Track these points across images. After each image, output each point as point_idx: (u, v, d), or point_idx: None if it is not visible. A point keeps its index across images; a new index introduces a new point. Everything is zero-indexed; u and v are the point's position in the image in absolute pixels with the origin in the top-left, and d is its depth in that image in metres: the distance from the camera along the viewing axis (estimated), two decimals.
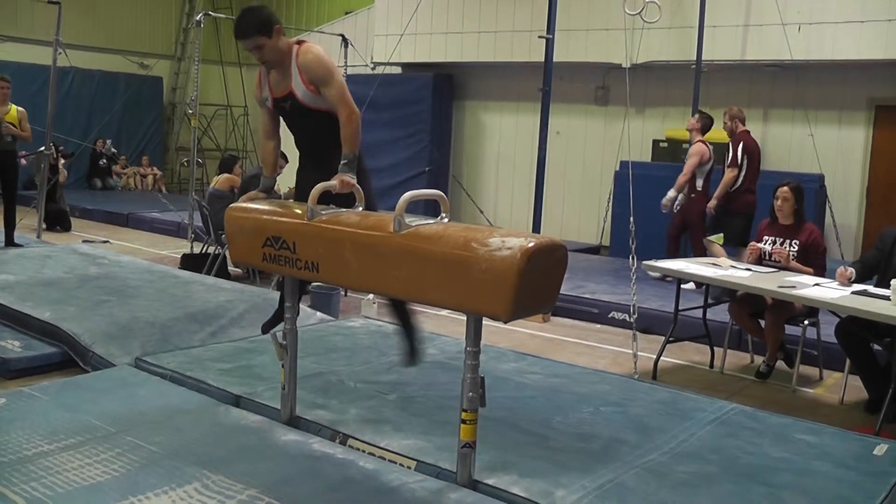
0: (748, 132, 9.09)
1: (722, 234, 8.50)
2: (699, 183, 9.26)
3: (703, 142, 9.40)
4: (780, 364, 6.70)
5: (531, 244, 3.26)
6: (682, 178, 9.35)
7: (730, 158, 8.92)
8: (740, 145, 8.88)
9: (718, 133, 9.72)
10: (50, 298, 6.87)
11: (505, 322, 3.47)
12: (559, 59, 9.19)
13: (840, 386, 6.21)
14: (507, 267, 3.22)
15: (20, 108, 9.81)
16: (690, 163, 9.28)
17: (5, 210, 9.97)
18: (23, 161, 10.93)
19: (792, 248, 6.61)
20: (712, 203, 8.91)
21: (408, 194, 3.72)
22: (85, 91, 18.48)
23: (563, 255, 3.53)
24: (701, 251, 9.06)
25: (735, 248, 8.64)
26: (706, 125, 9.49)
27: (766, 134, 12.16)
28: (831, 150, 11.44)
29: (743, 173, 8.83)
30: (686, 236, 9.57)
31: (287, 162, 9.60)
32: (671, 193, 9.35)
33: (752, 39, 11.44)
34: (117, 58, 19.53)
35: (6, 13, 17.05)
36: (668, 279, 9.01)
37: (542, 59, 8.74)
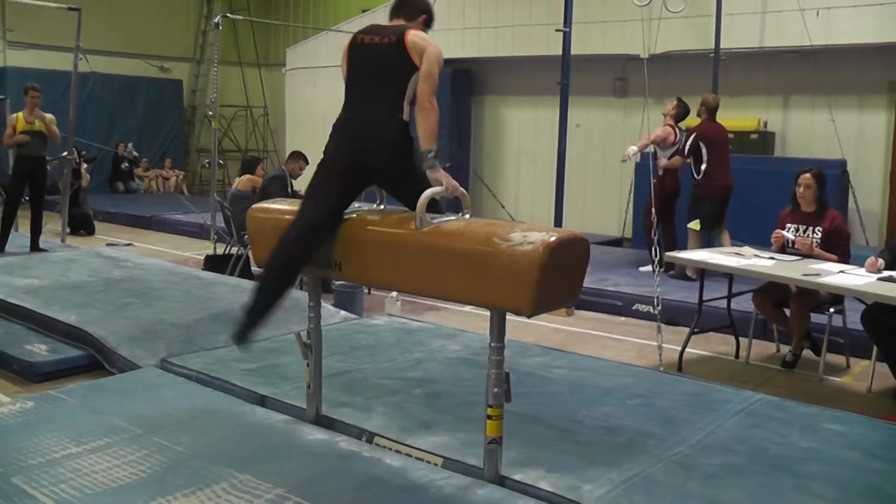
0: (710, 121, 9.21)
1: (698, 220, 8.95)
2: (661, 161, 9.38)
3: (673, 126, 9.55)
4: (807, 353, 6.66)
5: (553, 238, 3.25)
6: (640, 143, 9.65)
7: (679, 147, 9.30)
8: (692, 136, 9.07)
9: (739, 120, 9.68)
10: (75, 302, 6.92)
11: (528, 317, 3.47)
12: (576, 52, 9.16)
13: (867, 374, 6.15)
14: (529, 262, 3.22)
15: (49, 115, 9.94)
16: (653, 135, 9.49)
17: (32, 215, 10.07)
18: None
19: (815, 236, 6.56)
20: (661, 162, 9.35)
21: (428, 191, 3.72)
22: (106, 95, 18.58)
23: (585, 248, 3.52)
24: (671, 236, 9.52)
25: (710, 231, 9.13)
26: (681, 113, 9.67)
27: (786, 121, 12.09)
28: (853, 135, 11.34)
29: (704, 162, 8.99)
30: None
31: (307, 163, 9.65)
32: (632, 148, 9.53)
33: (769, 26, 11.35)
34: (137, 62, 19.63)
35: (27, 21, 17.15)
36: (672, 273, 9.07)
37: (560, 53, 8.72)
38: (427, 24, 4.46)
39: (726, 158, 9.21)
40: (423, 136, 4.05)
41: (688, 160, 9.11)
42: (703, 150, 8.99)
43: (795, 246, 6.57)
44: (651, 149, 9.49)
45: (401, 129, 4.10)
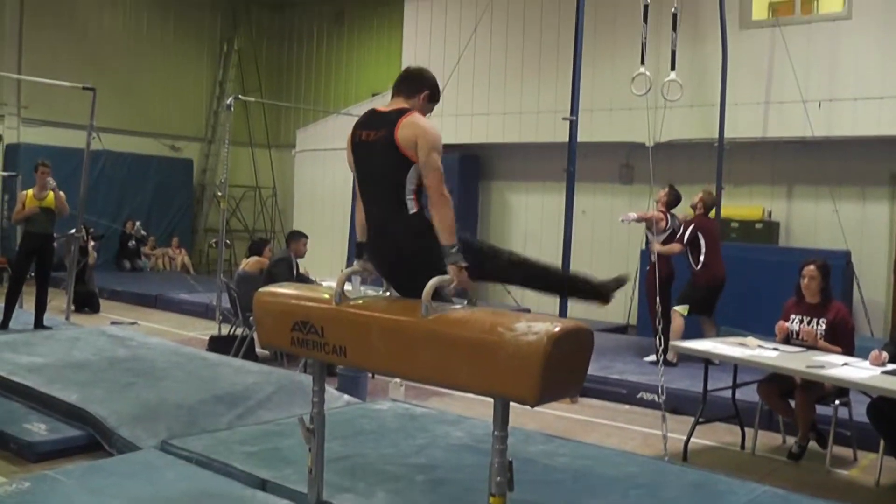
0: (705, 216, 9.60)
1: (687, 306, 9.18)
2: (655, 246, 9.44)
3: (665, 212, 9.76)
4: (813, 445, 6.59)
5: (557, 328, 3.27)
6: (639, 213, 10.04)
7: (679, 235, 9.53)
8: (692, 227, 9.39)
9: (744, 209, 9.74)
10: (78, 381, 6.90)
11: (532, 407, 3.46)
12: (583, 139, 9.27)
13: (875, 467, 6.09)
14: (533, 351, 3.23)
15: (60, 193, 10.03)
16: (649, 214, 9.78)
17: (37, 292, 10.10)
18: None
19: (819, 327, 6.56)
20: (654, 247, 9.39)
21: (434, 280, 3.74)
22: (117, 173, 18.73)
23: (589, 338, 3.53)
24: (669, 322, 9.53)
25: (698, 316, 9.41)
26: (672, 200, 9.91)
27: (790, 210, 12.17)
28: (856, 226, 11.39)
29: (703, 253, 9.31)
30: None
31: (308, 238, 9.71)
32: (632, 214, 9.91)
33: (773, 117, 11.50)
34: (149, 140, 19.88)
35: (42, 98, 17.42)
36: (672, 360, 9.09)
37: (567, 140, 8.82)
38: (431, 100, 4.27)
39: (720, 251, 9.51)
40: (441, 232, 3.91)
41: (685, 250, 9.37)
42: (702, 242, 9.29)
43: (800, 337, 6.56)
44: (644, 235, 9.64)
45: (410, 227, 4.02)
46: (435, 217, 3.93)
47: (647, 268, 9.28)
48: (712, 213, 10.04)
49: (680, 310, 9.27)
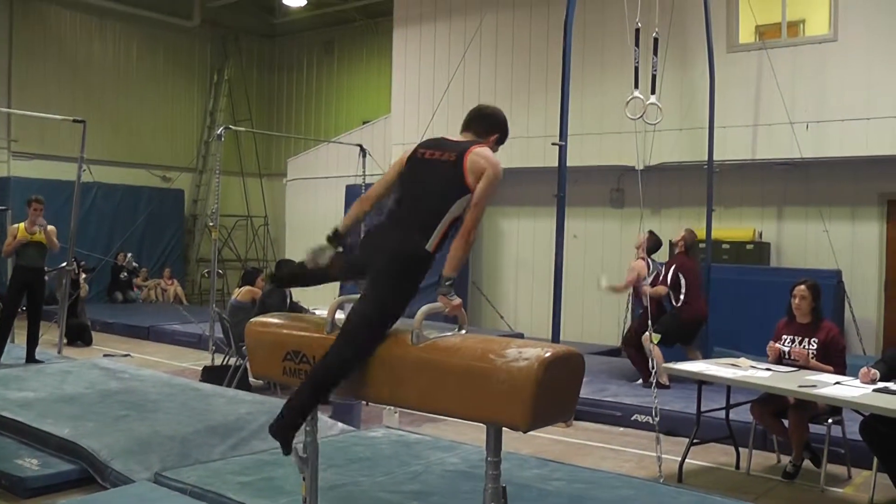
0: (686, 255, 9.75)
1: (660, 336, 9.12)
2: (645, 289, 9.20)
3: (645, 258, 9.81)
4: (807, 463, 6.61)
5: (548, 354, 3.28)
6: (619, 286, 10.21)
7: (662, 277, 9.68)
8: (672, 268, 9.60)
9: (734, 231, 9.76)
10: (70, 414, 6.88)
11: (525, 432, 3.47)
12: (573, 164, 9.29)
13: (869, 484, 6.10)
14: (524, 377, 3.24)
15: (50, 227, 10.03)
16: (629, 278, 9.86)
17: (28, 326, 10.07)
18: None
19: (811, 347, 6.58)
20: (645, 290, 9.25)
21: (425, 307, 3.75)
22: (108, 205, 18.77)
23: (580, 363, 3.54)
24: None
25: (669, 347, 9.45)
26: (652, 247, 10.00)
27: (781, 231, 12.20)
28: (846, 246, 11.43)
29: (682, 292, 9.46)
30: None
31: None
32: (612, 287, 10.21)
33: (761, 138, 11.55)
34: (140, 172, 19.90)
35: (33, 131, 17.47)
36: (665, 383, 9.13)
37: (557, 165, 8.85)
38: (499, 142, 4.29)
39: (700, 289, 9.75)
40: (449, 262, 3.89)
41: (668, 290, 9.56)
42: (682, 281, 9.47)
43: (792, 357, 6.58)
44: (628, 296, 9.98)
45: (420, 262, 3.95)
46: (454, 246, 3.91)
47: (641, 311, 9.39)
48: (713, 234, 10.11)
49: (652, 337, 9.08)
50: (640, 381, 9.43)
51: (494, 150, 4.20)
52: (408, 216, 4.02)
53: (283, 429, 3.91)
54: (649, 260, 9.84)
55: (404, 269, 3.94)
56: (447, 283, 3.86)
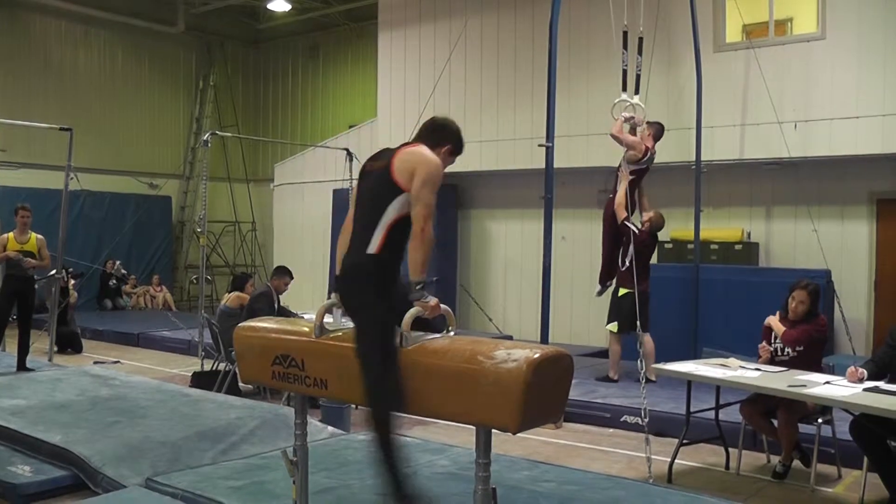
0: (647, 234, 9.70)
1: (616, 323, 9.45)
2: (622, 173, 9.72)
3: (648, 147, 9.88)
4: (797, 463, 6.62)
5: (537, 355, 3.29)
6: (616, 127, 9.86)
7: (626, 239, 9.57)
8: (646, 225, 9.65)
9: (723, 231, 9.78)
10: (61, 422, 6.88)
11: (514, 434, 3.48)
12: (560, 165, 9.29)
13: (859, 484, 6.10)
14: (513, 379, 3.25)
15: (39, 237, 10.03)
16: (630, 137, 9.84)
17: (19, 335, 10.06)
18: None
19: (798, 349, 6.62)
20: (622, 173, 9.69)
21: (413, 310, 3.76)
22: (96, 213, 18.70)
23: (569, 364, 3.55)
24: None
25: (628, 334, 9.32)
26: (657, 133, 10.10)
27: (769, 231, 12.23)
28: (836, 245, 11.45)
29: (629, 255, 9.35)
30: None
31: (292, 278, 9.73)
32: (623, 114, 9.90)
33: (749, 138, 11.55)
34: (127, 179, 19.81)
35: (20, 140, 17.39)
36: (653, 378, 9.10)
37: (544, 166, 8.86)
38: (453, 153, 4.29)
39: (648, 270, 9.69)
40: (412, 266, 3.88)
41: (623, 239, 9.54)
42: (632, 248, 9.29)
43: (779, 340, 6.63)
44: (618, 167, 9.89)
45: (360, 266, 4.01)
46: (410, 250, 3.90)
47: (610, 196, 9.67)
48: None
49: (610, 327, 9.58)
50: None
51: (449, 162, 4.23)
52: (358, 231, 4.09)
53: (398, 484, 3.97)
54: (651, 152, 9.85)
55: (355, 280, 4.02)
56: (418, 287, 3.85)
